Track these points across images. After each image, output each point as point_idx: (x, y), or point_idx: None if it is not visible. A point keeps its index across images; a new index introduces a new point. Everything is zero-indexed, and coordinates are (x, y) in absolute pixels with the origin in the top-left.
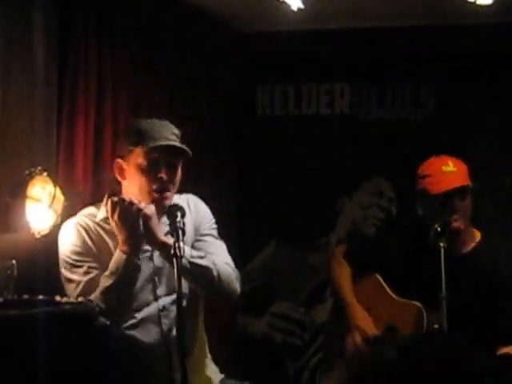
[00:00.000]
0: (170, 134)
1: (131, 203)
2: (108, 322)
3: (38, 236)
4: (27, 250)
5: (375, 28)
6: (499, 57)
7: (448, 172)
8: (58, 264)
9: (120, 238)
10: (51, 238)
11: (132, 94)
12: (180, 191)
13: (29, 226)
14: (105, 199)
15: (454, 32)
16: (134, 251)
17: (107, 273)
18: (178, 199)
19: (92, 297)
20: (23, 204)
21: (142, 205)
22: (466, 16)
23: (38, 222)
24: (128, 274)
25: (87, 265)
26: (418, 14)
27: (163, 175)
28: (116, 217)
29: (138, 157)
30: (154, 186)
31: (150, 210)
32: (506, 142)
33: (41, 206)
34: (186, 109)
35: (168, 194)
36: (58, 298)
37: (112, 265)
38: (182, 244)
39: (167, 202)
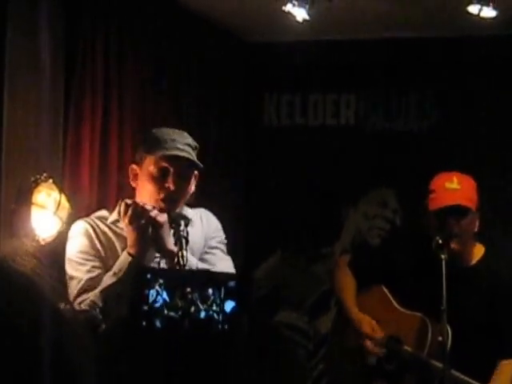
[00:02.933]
0: (183, 145)
1: (144, 208)
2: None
3: (42, 243)
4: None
5: (382, 39)
6: (504, 69)
7: (450, 189)
8: (62, 270)
9: (128, 240)
10: (56, 245)
11: (138, 101)
12: (191, 204)
13: (34, 233)
14: (119, 202)
15: (459, 44)
16: (140, 255)
17: (110, 272)
18: (190, 212)
19: (91, 295)
20: (28, 211)
21: (155, 212)
22: (472, 28)
23: (43, 228)
24: (130, 276)
25: (91, 264)
26: (423, 25)
27: (170, 185)
28: (127, 219)
29: (149, 164)
30: (161, 195)
31: (163, 217)
32: (510, 154)
33: (46, 212)
34: (192, 118)
35: (175, 205)
36: (61, 306)
37: (116, 265)
38: (185, 253)
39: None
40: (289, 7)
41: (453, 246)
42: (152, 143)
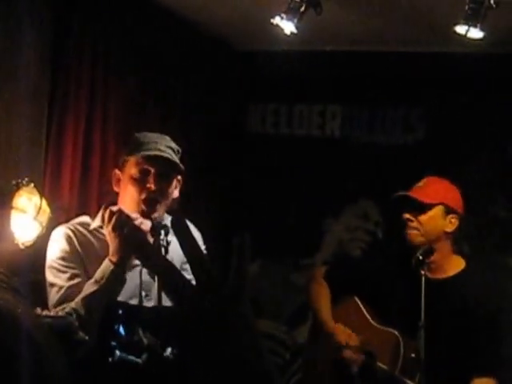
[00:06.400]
0: (165, 147)
1: (129, 216)
2: (87, 337)
3: (22, 247)
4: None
5: (369, 52)
6: (489, 85)
7: (416, 186)
8: (42, 275)
9: (111, 248)
10: (35, 250)
11: (123, 108)
12: (173, 212)
13: (13, 237)
14: (102, 209)
15: (445, 59)
16: (121, 263)
17: (92, 280)
18: (169, 221)
19: (73, 303)
20: (8, 214)
21: (140, 220)
22: (459, 45)
23: (23, 232)
24: (112, 284)
25: (72, 271)
26: (410, 40)
27: (151, 185)
28: (110, 227)
29: (131, 166)
30: (143, 196)
31: (146, 226)
32: (495, 169)
33: (26, 217)
34: (176, 125)
35: (156, 206)
36: (38, 311)
37: (98, 273)
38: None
39: (155, 215)
40: (277, 20)
41: (410, 236)
42: (134, 146)
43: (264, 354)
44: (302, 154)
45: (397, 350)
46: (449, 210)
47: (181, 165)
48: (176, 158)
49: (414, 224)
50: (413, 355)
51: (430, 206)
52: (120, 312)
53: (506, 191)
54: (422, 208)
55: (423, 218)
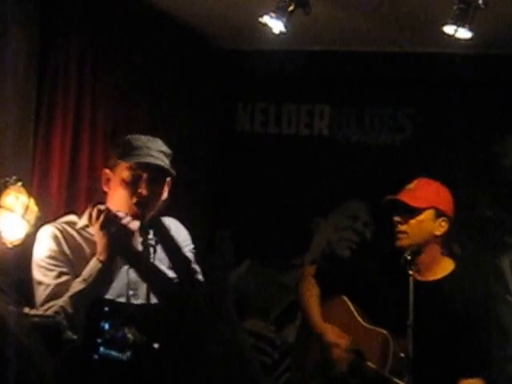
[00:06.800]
0: (157, 152)
1: (116, 215)
2: (75, 337)
3: (10, 246)
4: None
5: (357, 52)
6: (476, 85)
7: (406, 188)
8: (29, 274)
9: (99, 246)
10: (23, 249)
11: (111, 107)
12: (161, 213)
13: (1, 236)
14: (89, 208)
15: (433, 59)
16: (109, 262)
17: (80, 278)
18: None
19: (60, 301)
20: None
21: (127, 219)
22: (446, 45)
23: (11, 232)
24: (99, 283)
25: (59, 270)
26: (398, 40)
27: (143, 190)
28: (98, 225)
29: (122, 170)
30: (134, 200)
31: (135, 225)
32: (481, 168)
33: (14, 216)
34: (165, 124)
35: (147, 210)
36: (27, 310)
37: (86, 271)
38: (153, 261)
39: (144, 219)
40: (266, 19)
41: (399, 242)
42: (126, 150)
43: (246, 351)
44: (291, 153)
45: (386, 350)
46: (439, 214)
47: (172, 170)
48: (167, 163)
49: (404, 227)
50: (402, 355)
51: (420, 210)
52: (105, 309)
53: (492, 191)
54: (412, 211)
55: (413, 222)
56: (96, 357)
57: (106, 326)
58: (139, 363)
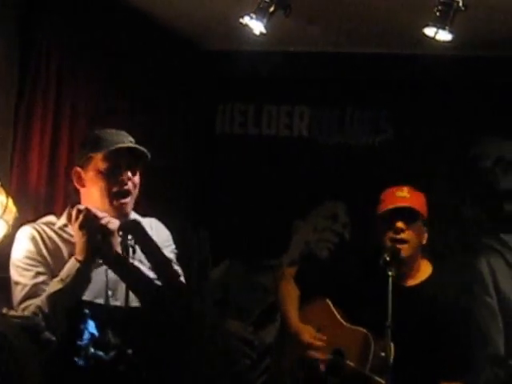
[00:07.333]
0: (127, 141)
1: (96, 215)
2: (53, 338)
3: None
4: None
5: (338, 53)
6: (456, 87)
7: (400, 196)
8: (7, 274)
9: (77, 246)
10: (2, 249)
11: (91, 105)
12: (142, 214)
13: None
14: (68, 208)
15: (413, 61)
16: (88, 262)
17: (57, 278)
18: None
19: (38, 300)
20: None
21: (107, 219)
22: (426, 47)
23: None
24: (77, 283)
25: (36, 270)
26: (378, 42)
27: (124, 177)
28: (77, 225)
29: (98, 162)
30: (115, 189)
31: (114, 225)
32: (462, 170)
33: None
34: (144, 125)
35: (128, 199)
36: (5, 311)
37: (64, 271)
38: (131, 262)
39: (126, 209)
40: (246, 20)
41: (403, 253)
42: (97, 142)
43: (232, 349)
44: (270, 154)
45: (367, 349)
46: (424, 222)
47: (147, 152)
48: (140, 146)
49: (405, 235)
50: (383, 354)
51: (418, 219)
52: (86, 311)
53: (471, 192)
54: (414, 219)
55: (412, 230)
56: (83, 357)
57: (91, 328)
58: (118, 365)
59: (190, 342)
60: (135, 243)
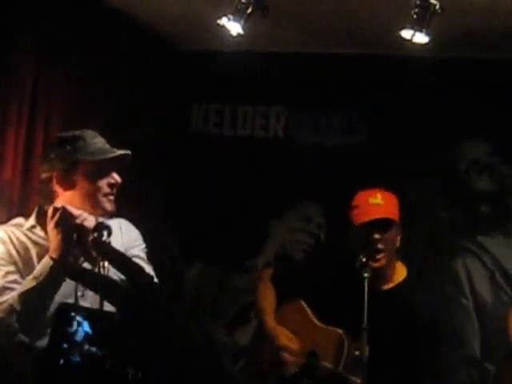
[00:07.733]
0: (106, 144)
1: (72, 215)
2: (27, 340)
3: None
4: None
5: (314, 54)
6: (432, 89)
7: (374, 204)
8: None
9: (52, 244)
10: None
11: (66, 106)
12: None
13: None
14: (36, 208)
15: (390, 62)
16: (62, 259)
17: (30, 276)
18: (109, 222)
19: (10, 298)
20: None
21: (83, 217)
22: (403, 48)
23: None
24: (50, 281)
25: (6, 269)
26: (355, 42)
27: (116, 178)
28: (53, 223)
29: (86, 166)
30: (106, 191)
31: (90, 222)
32: (438, 171)
33: None
34: (119, 124)
35: (114, 197)
36: None
37: (37, 269)
38: (106, 263)
39: (114, 208)
40: (224, 21)
41: (378, 261)
42: (84, 147)
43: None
44: (246, 154)
45: (341, 348)
46: (397, 226)
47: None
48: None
49: (381, 245)
50: (357, 353)
51: (392, 226)
52: (72, 314)
53: (448, 194)
54: (388, 227)
55: (386, 238)
56: (78, 354)
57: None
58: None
59: (171, 341)
60: (109, 242)
